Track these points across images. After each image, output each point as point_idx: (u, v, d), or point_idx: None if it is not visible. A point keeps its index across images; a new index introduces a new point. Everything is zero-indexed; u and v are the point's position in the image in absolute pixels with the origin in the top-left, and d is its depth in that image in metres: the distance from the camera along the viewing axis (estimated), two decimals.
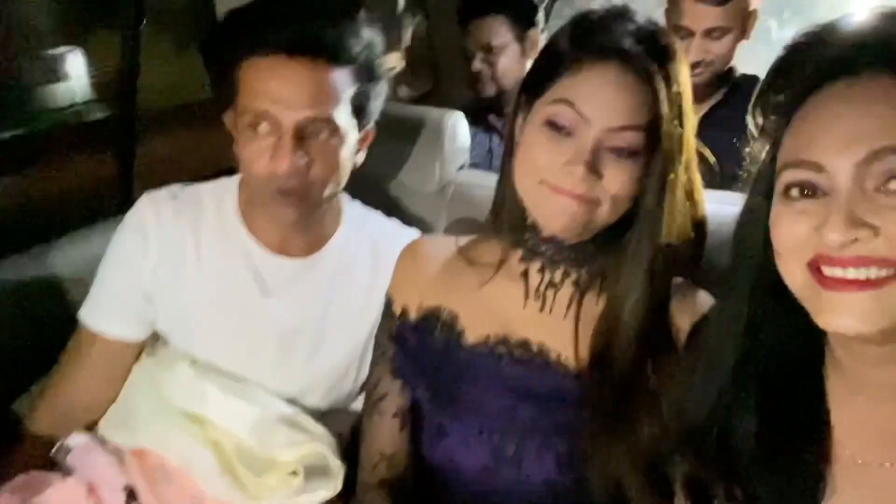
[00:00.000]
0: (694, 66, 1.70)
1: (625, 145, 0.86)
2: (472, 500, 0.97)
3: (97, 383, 1.13)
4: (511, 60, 1.98)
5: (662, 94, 0.86)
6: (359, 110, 1.10)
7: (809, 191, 0.67)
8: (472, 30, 2.00)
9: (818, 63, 0.69)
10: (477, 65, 1.99)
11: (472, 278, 1.02)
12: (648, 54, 0.86)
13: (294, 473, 1.02)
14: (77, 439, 1.08)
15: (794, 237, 0.68)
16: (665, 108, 0.87)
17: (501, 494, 0.95)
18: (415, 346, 1.02)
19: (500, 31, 1.96)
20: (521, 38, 1.98)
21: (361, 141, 1.15)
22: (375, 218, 1.27)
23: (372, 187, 1.48)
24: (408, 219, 1.45)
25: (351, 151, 1.11)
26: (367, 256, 1.21)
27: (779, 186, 0.69)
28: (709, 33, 1.70)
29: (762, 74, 1.92)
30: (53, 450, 1.08)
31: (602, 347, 0.93)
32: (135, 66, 1.59)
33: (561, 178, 0.87)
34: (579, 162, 0.85)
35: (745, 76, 1.83)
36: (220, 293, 1.13)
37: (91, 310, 1.14)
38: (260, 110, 1.02)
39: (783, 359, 0.75)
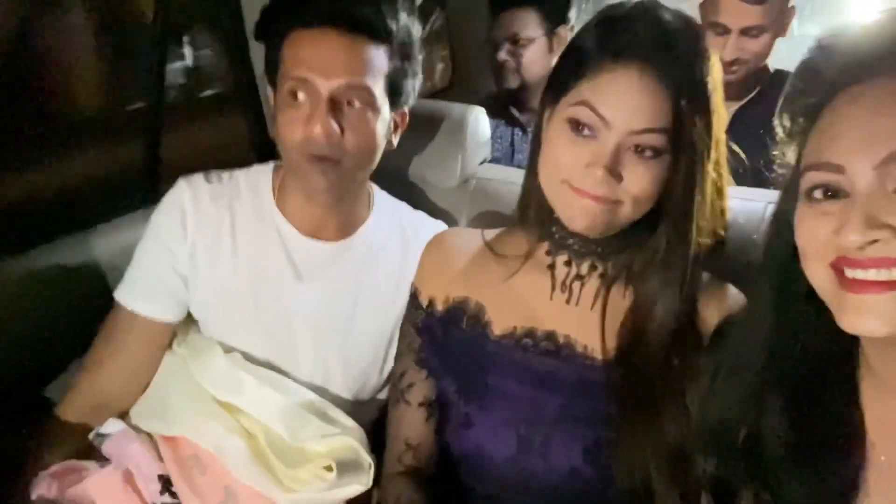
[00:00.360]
0: (730, 63, 1.68)
1: (647, 147, 0.86)
2: (498, 489, 0.98)
3: (131, 364, 1.15)
4: (537, 54, 1.96)
5: (686, 95, 0.86)
6: (393, 88, 1.12)
7: (831, 192, 0.67)
8: (501, 19, 1.98)
9: (840, 66, 0.70)
10: (502, 55, 1.98)
11: (498, 270, 1.03)
12: (672, 56, 0.86)
13: (328, 468, 1.03)
14: (112, 426, 1.10)
15: (816, 238, 0.68)
16: (689, 110, 0.86)
17: (527, 484, 0.96)
18: (441, 337, 1.04)
19: (529, 24, 1.95)
20: (550, 33, 1.96)
21: (396, 123, 1.17)
22: (404, 207, 1.30)
23: (394, 182, 1.49)
24: (430, 213, 1.46)
25: (385, 129, 1.13)
26: (398, 243, 1.23)
27: (802, 188, 0.70)
28: (746, 31, 1.67)
29: (784, 69, 1.90)
30: (91, 435, 1.10)
31: (630, 341, 0.94)
32: (163, 56, 1.60)
33: (581, 180, 0.88)
34: (599, 165, 0.86)
35: (779, 73, 1.81)
36: (255, 276, 1.15)
37: (127, 289, 1.16)
38: (298, 77, 1.05)
39: (814, 361, 0.75)
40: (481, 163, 1.53)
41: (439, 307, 1.05)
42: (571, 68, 0.90)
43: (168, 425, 1.10)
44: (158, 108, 1.59)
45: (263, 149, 1.66)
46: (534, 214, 1.00)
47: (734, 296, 0.98)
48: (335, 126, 1.05)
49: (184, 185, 1.17)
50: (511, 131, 2.06)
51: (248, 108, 1.72)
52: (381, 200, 1.27)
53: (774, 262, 0.77)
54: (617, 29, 0.88)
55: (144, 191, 1.56)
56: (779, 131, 0.77)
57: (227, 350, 1.14)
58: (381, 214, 1.25)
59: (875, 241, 0.63)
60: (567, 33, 2.00)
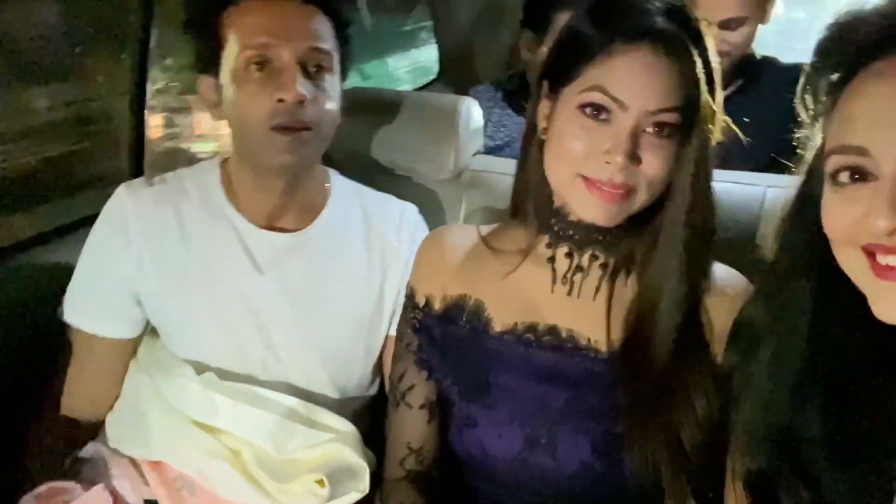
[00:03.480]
0: None
1: (663, 125, 0.85)
2: (505, 489, 0.96)
3: (96, 377, 1.12)
4: None
5: (698, 71, 0.85)
6: (342, 61, 1.11)
7: (858, 175, 0.65)
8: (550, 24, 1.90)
9: (861, 41, 0.67)
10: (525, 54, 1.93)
11: (497, 266, 1.00)
12: (681, 32, 0.85)
13: (320, 483, 0.99)
14: (91, 451, 1.06)
15: (844, 225, 0.66)
16: (702, 85, 0.85)
17: (535, 482, 0.94)
18: (440, 336, 1.01)
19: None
20: None
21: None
22: (365, 189, 1.25)
23: (385, 176, 1.47)
24: (423, 207, 1.43)
25: (338, 104, 1.10)
26: (360, 227, 1.19)
27: (827, 171, 0.67)
28: (726, 24, 1.66)
29: (770, 55, 1.90)
30: (68, 462, 1.06)
31: (636, 332, 0.92)
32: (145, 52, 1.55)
33: (599, 170, 0.86)
34: (619, 151, 0.84)
35: (765, 60, 1.80)
36: (213, 276, 1.10)
37: (73, 307, 1.11)
38: (258, 44, 1.02)
39: (854, 353, 0.72)
40: (474, 154, 1.50)
41: (437, 306, 1.02)
42: (575, 56, 0.88)
43: (149, 450, 1.06)
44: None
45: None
46: (532, 207, 0.98)
47: (734, 279, 0.95)
48: (307, 91, 1.02)
49: (123, 193, 1.11)
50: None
51: None
52: (339, 184, 1.22)
53: (803, 248, 0.74)
54: (621, 10, 0.87)
55: None
56: (802, 113, 0.75)
57: (199, 364, 1.09)
58: (339, 198, 1.20)
59: None
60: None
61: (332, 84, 1.07)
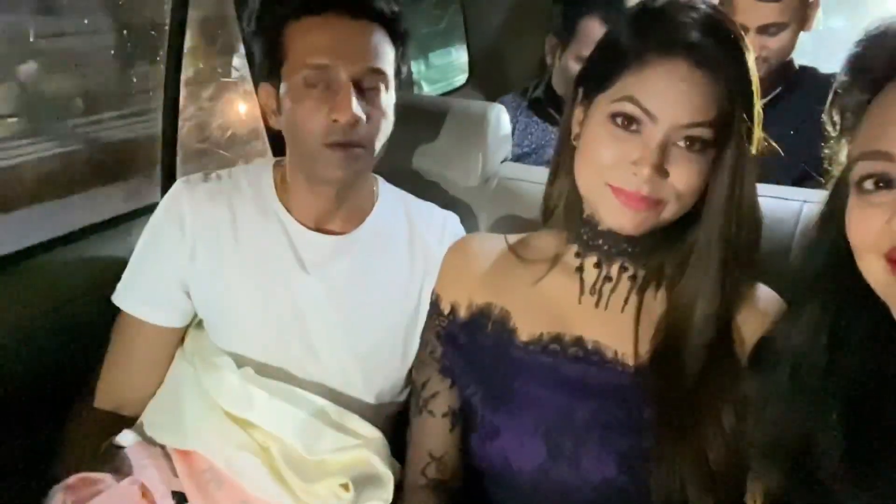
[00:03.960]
0: None
1: (696, 136, 0.84)
2: (527, 501, 0.95)
3: (140, 365, 1.14)
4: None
5: (733, 86, 0.83)
6: (398, 73, 1.12)
7: (883, 182, 0.65)
8: (580, 31, 1.87)
9: (888, 58, 0.67)
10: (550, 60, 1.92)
11: (523, 275, 0.99)
12: (717, 45, 0.83)
13: (345, 487, 1.00)
14: (127, 438, 1.07)
15: (868, 231, 0.66)
16: (737, 100, 0.84)
17: (558, 495, 0.92)
18: (465, 344, 1.00)
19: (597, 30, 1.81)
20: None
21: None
22: (409, 197, 1.27)
23: (414, 181, 1.47)
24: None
25: (391, 119, 1.11)
26: (405, 233, 1.20)
27: (852, 179, 0.68)
28: (764, 29, 1.63)
29: (807, 63, 1.87)
30: (104, 446, 1.08)
31: (665, 347, 0.90)
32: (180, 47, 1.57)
33: (626, 180, 0.85)
34: (646, 163, 0.83)
35: (804, 69, 1.76)
36: (261, 271, 1.12)
37: (127, 294, 1.14)
38: (316, 64, 1.03)
39: (875, 367, 0.71)
40: (503, 161, 1.49)
41: (462, 313, 1.01)
42: (610, 64, 0.87)
43: (181, 439, 1.07)
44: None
45: None
46: (562, 216, 0.97)
47: (770, 298, 0.93)
48: (361, 111, 1.03)
49: (181, 187, 1.15)
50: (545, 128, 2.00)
51: None
52: (386, 191, 1.25)
53: (826, 263, 0.74)
54: (658, 20, 0.86)
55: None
56: (828, 128, 0.75)
57: (241, 358, 1.11)
58: (385, 204, 1.22)
59: None
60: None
61: (388, 101, 1.09)
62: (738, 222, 0.88)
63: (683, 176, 0.84)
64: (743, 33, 1.68)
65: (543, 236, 1.01)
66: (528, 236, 1.05)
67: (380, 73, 1.06)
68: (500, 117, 1.44)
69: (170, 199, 1.15)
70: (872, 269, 0.67)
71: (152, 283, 1.13)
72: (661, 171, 0.83)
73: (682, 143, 0.84)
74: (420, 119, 1.44)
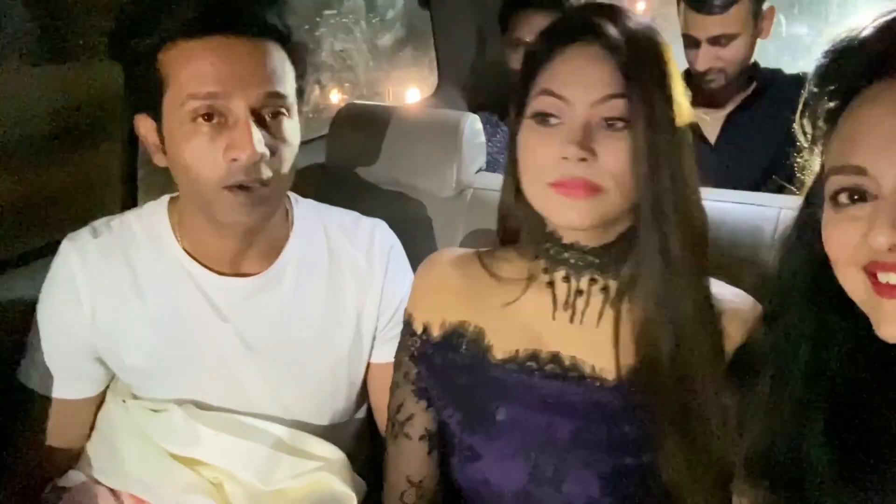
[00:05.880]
0: (704, 73, 1.70)
1: (614, 114, 0.84)
2: None
3: (59, 440, 1.05)
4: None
5: (635, 61, 0.85)
6: (300, 93, 1.00)
7: (858, 196, 0.65)
8: (513, 23, 1.91)
9: (857, 66, 0.68)
10: (515, 64, 1.89)
11: (497, 293, 0.97)
12: (615, 27, 0.86)
13: None
14: (72, 479, 1.01)
15: (845, 245, 0.66)
16: (641, 74, 0.84)
17: None
18: (440, 364, 0.97)
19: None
20: None
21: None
22: (329, 214, 1.15)
23: (385, 194, 1.44)
24: (425, 224, 1.40)
25: (297, 145, 0.99)
26: (325, 258, 1.10)
27: (827, 193, 0.68)
28: (715, 41, 1.66)
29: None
30: (47, 489, 1.02)
31: (643, 359, 0.89)
32: None
33: (561, 171, 0.85)
34: (572, 142, 0.83)
35: (770, 72, 1.79)
36: (176, 329, 1.02)
37: (31, 372, 1.04)
38: (205, 93, 0.89)
39: (856, 375, 0.71)
40: (477, 171, 1.47)
41: (435, 333, 0.99)
42: (529, 70, 0.91)
43: (123, 482, 1.01)
44: None
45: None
46: (525, 233, 0.96)
47: (750, 304, 0.92)
48: (264, 146, 0.90)
49: (67, 247, 1.02)
50: None
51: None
52: (301, 215, 1.12)
53: (802, 271, 0.74)
54: (560, 21, 0.92)
55: None
56: (800, 137, 0.76)
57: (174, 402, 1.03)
58: (302, 230, 1.10)
59: None
60: None
61: (292, 128, 0.96)
62: (673, 207, 0.85)
63: (611, 154, 0.84)
64: (696, 48, 1.71)
65: (510, 252, 0.99)
66: (497, 250, 1.02)
67: (280, 98, 0.93)
68: (474, 126, 1.42)
69: (58, 264, 1.02)
70: (852, 282, 0.67)
71: (57, 357, 1.03)
72: (588, 149, 0.83)
73: (603, 125, 0.85)
74: (392, 128, 1.42)
